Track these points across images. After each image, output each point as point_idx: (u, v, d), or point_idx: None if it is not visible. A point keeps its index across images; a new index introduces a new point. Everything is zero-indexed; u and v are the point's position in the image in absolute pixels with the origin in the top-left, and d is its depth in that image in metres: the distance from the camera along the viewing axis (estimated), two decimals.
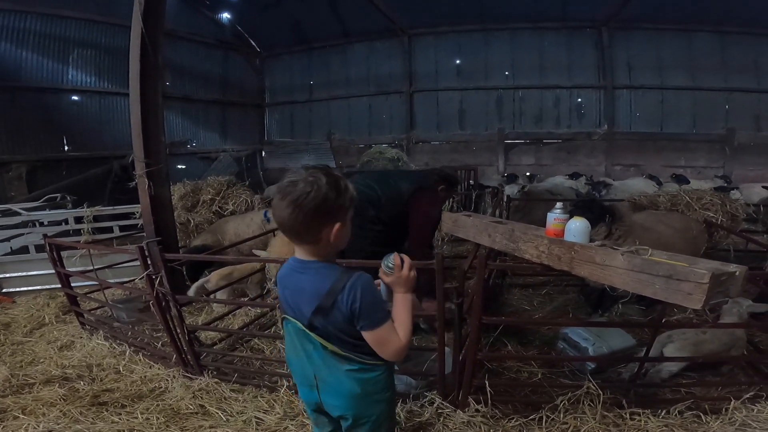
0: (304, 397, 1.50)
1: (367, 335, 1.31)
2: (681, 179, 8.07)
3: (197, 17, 12.28)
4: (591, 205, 3.27)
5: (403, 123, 12.60)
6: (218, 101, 13.17)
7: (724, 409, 2.15)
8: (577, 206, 3.18)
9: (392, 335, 1.32)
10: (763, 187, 7.02)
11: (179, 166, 11.05)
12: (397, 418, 1.81)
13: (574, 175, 9.03)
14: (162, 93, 3.58)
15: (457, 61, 12.27)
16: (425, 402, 2.28)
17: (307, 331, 1.35)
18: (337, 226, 1.31)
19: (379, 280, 1.43)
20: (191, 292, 3.51)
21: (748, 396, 2.19)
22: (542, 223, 1.99)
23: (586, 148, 11.40)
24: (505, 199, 5.32)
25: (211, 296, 3.45)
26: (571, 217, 1.85)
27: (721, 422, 2.08)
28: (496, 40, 11.78)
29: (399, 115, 12.68)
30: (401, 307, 1.38)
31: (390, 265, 1.39)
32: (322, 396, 1.42)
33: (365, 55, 12.89)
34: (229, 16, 12.86)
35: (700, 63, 10.58)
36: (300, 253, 1.38)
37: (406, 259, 1.41)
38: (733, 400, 2.16)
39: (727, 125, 10.48)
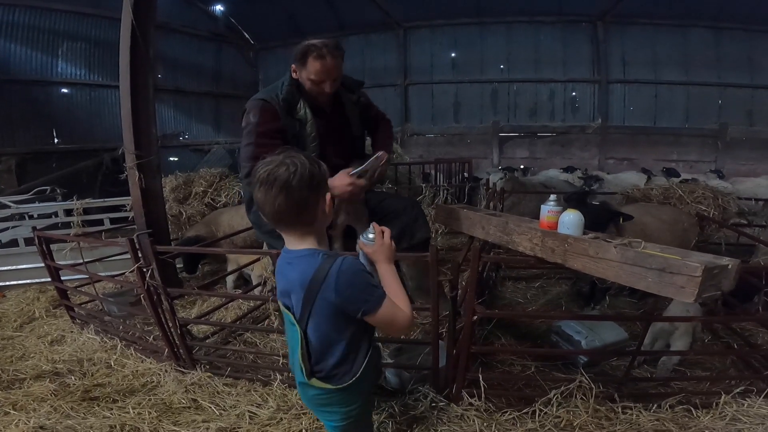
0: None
1: (371, 319, 1.28)
2: (671, 172, 8.09)
3: (190, 9, 12.11)
4: (598, 208, 3.08)
5: (398, 115, 12.54)
6: (211, 93, 13.03)
7: (714, 404, 2.16)
8: (570, 199, 3.15)
9: (396, 310, 1.30)
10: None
11: (172, 159, 10.95)
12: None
13: (568, 169, 9.05)
14: (154, 85, 3.54)
15: (453, 54, 12.21)
16: (419, 396, 2.28)
17: (296, 325, 1.33)
18: (328, 197, 1.32)
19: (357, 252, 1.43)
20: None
21: (738, 390, 2.20)
22: (530, 213, 1.99)
23: (580, 141, 11.43)
24: (491, 189, 5.29)
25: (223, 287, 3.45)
26: (564, 209, 1.85)
27: (711, 417, 2.09)
28: (492, 33, 11.72)
29: (394, 107, 12.61)
30: (390, 278, 1.37)
31: (370, 236, 1.39)
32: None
33: (360, 47, 12.79)
34: (222, 9, 12.69)
35: (694, 58, 10.60)
36: (290, 242, 1.35)
37: (386, 229, 1.42)
38: (723, 395, 2.17)
39: (720, 120, 10.53)
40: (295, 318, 1.33)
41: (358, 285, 1.25)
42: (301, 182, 1.22)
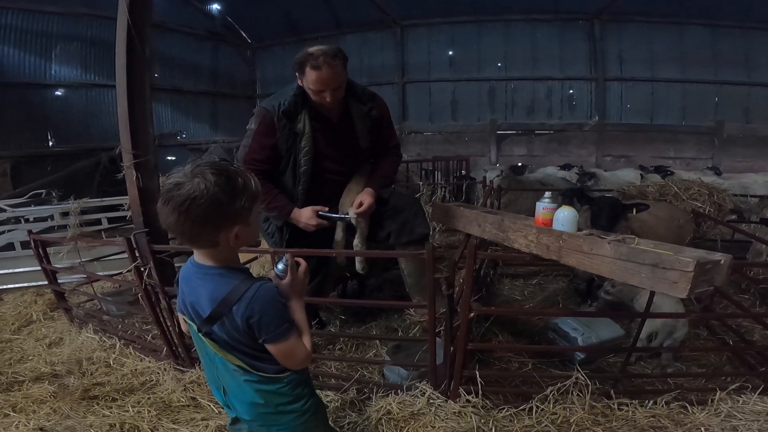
0: (219, 400, 1.41)
1: (271, 348, 1.22)
2: (660, 170, 8.06)
3: (186, 8, 12.12)
4: (611, 201, 3.01)
5: (396, 114, 12.56)
6: (209, 92, 13.06)
7: (710, 400, 2.16)
8: (565, 196, 3.15)
9: (299, 346, 1.24)
10: None
11: (169, 158, 10.95)
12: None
13: (566, 166, 9.06)
14: (151, 84, 3.53)
15: (450, 53, 12.23)
16: (417, 392, 2.29)
17: (202, 337, 1.25)
18: (236, 229, 1.17)
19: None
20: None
21: (733, 387, 2.20)
22: (527, 211, 2.00)
23: (577, 139, 11.47)
24: (488, 186, 5.31)
25: None
26: (559, 206, 1.86)
27: (707, 413, 2.09)
28: (489, 31, 11.76)
29: (391, 105, 12.45)
30: (300, 314, 1.29)
31: (280, 267, 1.31)
32: (230, 400, 1.35)
33: (357, 46, 12.79)
34: (218, 7, 12.71)
35: (691, 56, 10.66)
36: (198, 256, 1.26)
37: (302, 261, 1.34)
38: (718, 391, 2.17)
39: (716, 117, 10.58)
40: (199, 330, 1.26)
41: (268, 313, 1.19)
42: (198, 209, 1.10)
